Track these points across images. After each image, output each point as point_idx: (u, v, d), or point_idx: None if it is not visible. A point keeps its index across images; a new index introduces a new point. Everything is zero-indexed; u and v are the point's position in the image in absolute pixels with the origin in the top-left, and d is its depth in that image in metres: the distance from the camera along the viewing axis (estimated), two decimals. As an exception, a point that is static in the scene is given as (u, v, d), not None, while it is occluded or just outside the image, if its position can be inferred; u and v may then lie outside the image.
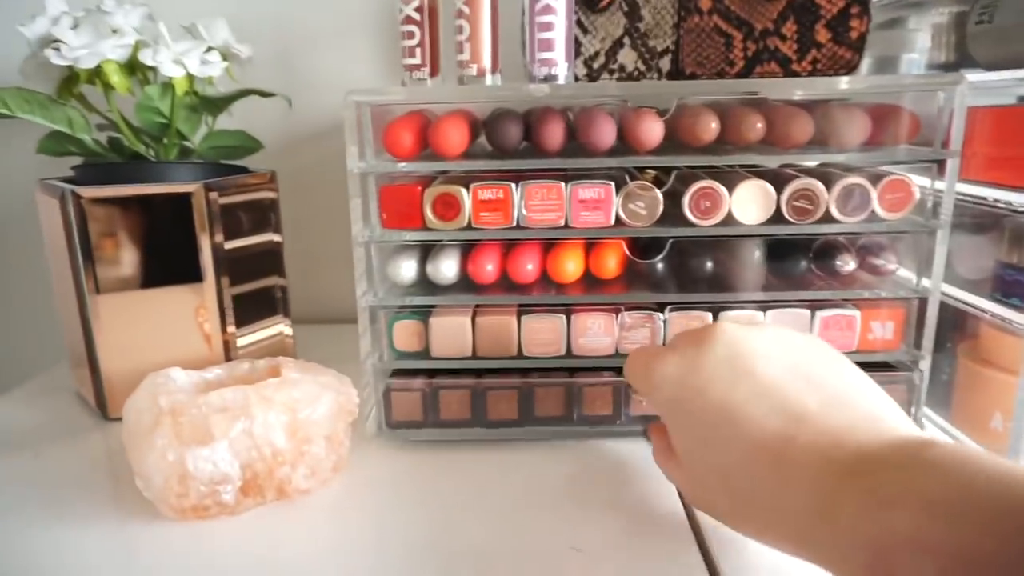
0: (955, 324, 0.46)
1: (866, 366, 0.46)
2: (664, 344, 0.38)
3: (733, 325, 0.32)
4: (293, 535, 0.37)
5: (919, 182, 0.43)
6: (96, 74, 0.49)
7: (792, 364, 0.30)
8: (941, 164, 0.42)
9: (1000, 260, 0.43)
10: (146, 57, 0.48)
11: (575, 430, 0.46)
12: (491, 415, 0.45)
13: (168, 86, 0.51)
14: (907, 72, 0.53)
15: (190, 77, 0.51)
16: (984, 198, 0.44)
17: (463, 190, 0.43)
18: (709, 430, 0.29)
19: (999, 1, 0.42)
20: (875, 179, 0.42)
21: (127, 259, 0.50)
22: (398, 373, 0.46)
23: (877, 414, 0.28)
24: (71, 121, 0.50)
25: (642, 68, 0.49)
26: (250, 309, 0.56)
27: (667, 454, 0.35)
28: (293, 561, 0.35)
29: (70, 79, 0.51)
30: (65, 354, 0.57)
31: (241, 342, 0.55)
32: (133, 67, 0.51)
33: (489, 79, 0.45)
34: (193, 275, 0.52)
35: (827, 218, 0.43)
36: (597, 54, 0.49)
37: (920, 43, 0.52)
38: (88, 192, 0.47)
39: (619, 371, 0.48)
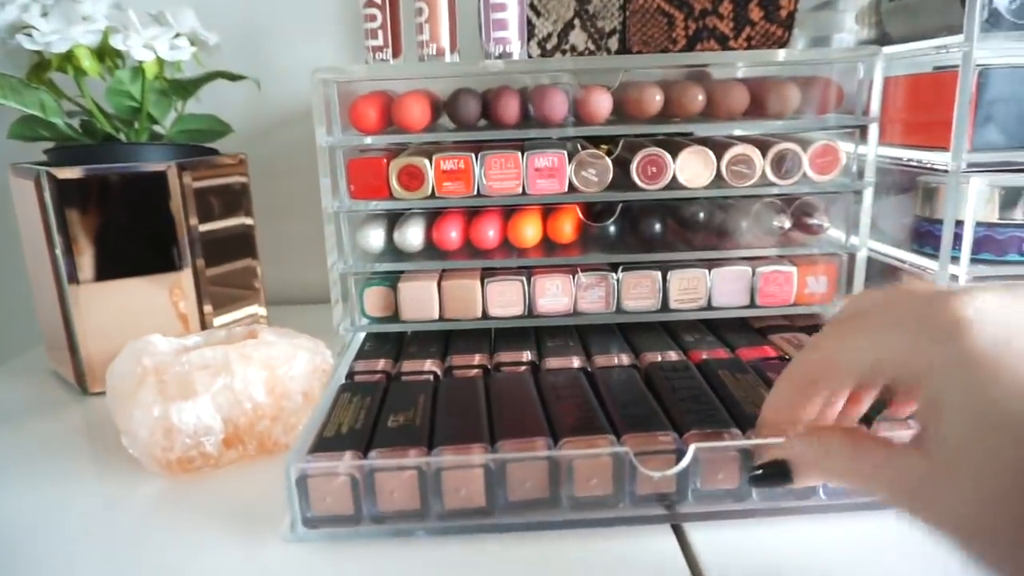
0: (881, 276, 0.51)
1: (802, 318, 0.51)
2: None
3: None
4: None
5: (845, 147, 0.47)
6: (67, 59, 0.51)
7: None
8: (864, 130, 0.46)
9: (915, 214, 0.47)
10: (117, 42, 0.50)
11: (563, 519, 0.34)
12: (448, 503, 0.34)
13: (138, 70, 0.52)
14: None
15: (160, 61, 0.52)
16: (900, 158, 0.48)
17: (426, 161, 0.46)
18: None
19: (907, -21, 0.46)
20: (805, 145, 0.46)
21: (102, 241, 0.51)
22: (321, 448, 0.35)
23: None
24: (44, 105, 0.52)
25: (592, 48, 0.52)
26: (225, 290, 0.58)
27: (880, 447, 0.25)
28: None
29: (40, 65, 0.52)
30: (40, 336, 0.58)
31: (217, 322, 0.57)
32: (103, 53, 0.53)
33: (448, 57, 0.48)
34: (169, 257, 0.53)
35: (764, 182, 0.47)
36: (550, 35, 0.52)
37: (848, 23, 0.57)
38: (63, 173, 0.49)
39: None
